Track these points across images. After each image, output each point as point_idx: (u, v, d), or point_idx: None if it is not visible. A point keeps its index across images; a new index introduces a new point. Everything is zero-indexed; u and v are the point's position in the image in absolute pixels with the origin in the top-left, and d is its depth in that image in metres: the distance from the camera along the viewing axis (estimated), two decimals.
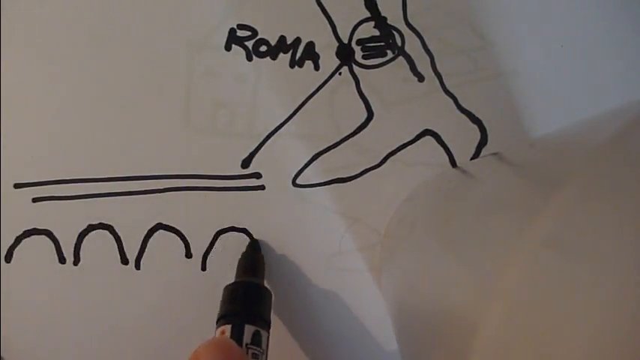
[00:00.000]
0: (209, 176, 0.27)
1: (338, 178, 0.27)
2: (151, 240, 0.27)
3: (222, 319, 0.23)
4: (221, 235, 0.27)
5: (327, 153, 0.27)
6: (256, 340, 0.22)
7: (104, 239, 0.27)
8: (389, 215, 0.28)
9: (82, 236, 0.27)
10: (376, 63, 0.27)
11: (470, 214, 0.19)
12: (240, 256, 0.26)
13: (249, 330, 0.22)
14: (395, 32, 0.27)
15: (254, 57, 0.27)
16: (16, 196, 0.27)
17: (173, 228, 0.27)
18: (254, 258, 0.26)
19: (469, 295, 0.15)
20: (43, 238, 0.27)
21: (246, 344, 0.22)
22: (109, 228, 0.27)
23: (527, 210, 0.14)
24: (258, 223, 0.27)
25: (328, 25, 0.27)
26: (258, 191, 0.27)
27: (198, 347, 0.19)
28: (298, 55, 0.27)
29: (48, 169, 0.27)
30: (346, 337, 0.28)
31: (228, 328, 0.22)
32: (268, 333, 0.23)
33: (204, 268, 0.27)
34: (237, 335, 0.22)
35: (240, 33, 0.27)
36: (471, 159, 0.27)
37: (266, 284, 0.27)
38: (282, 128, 0.27)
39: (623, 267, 0.10)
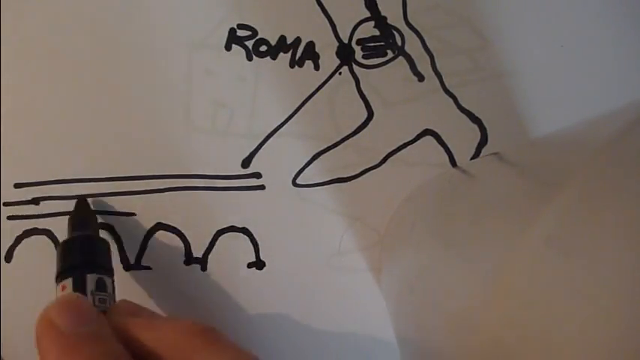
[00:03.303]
0: (209, 176, 0.27)
1: (338, 178, 0.27)
2: (151, 240, 0.27)
3: (60, 276, 0.23)
4: (221, 235, 0.27)
5: (327, 153, 0.27)
6: (101, 286, 0.22)
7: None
8: (389, 215, 0.28)
9: None
10: (376, 63, 0.27)
11: (470, 214, 0.19)
12: (69, 217, 0.26)
13: (91, 279, 0.22)
14: (395, 32, 0.27)
15: (254, 57, 0.27)
16: (16, 196, 0.27)
17: (173, 228, 0.27)
18: (83, 212, 0.26)
19: (469, 294, 0.15)
20: (43, 238, 0.27)
21: (92, 291, 0.22)
22: (109, 228, 0.27)
23: (528, 210, 0.14)
24: (258, 223, 0.27)
25: (328, 25, 0.27)
26: (258, 191, 0.27)
27: (45, 309, 0.19)
28: (298, 55, 0.27)
29: (48, 169, 0.27)
30: (346, 337, 0.28)
31: (69, 281, 0.22)
32: (112, 279, 0.23)
33: (204, 269, 0.27)
34: (80, 286, 0.22)
35: (240, 33, 0.27)
36: (471, 159, 0.27)
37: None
38: (282, 128, 0.27)
39: (623, 267, 0.10)
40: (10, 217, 0.27)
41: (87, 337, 0.19)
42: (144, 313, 0.22)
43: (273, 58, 0.27)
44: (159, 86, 0.27)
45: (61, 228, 0.27)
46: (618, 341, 0.09)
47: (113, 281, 0.23)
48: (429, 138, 0.27)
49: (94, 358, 0.18)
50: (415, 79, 0.27)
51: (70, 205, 0.27)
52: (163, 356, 0.20)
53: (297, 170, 0.27)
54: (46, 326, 0.19)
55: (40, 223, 0.27)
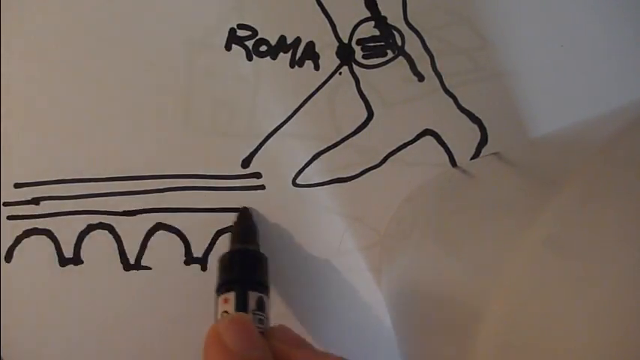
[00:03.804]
0: (209, 176, 0.27)
1: (338, 178, 0.27)
2: (151, 240, 0.27)
3: (223, 287, 0.23)
4: (221, 235, 0.27)
5: (327, 153, 0.27)
6: (260, 306, 0.22)
7: (104, 239, 0.27)
8: (389, 215, 0.28)
9: (82, 236, 0.27)
10: (376, 63, 0.27)
11: (470, 214, 0.19)
12: (232, 225, 0.26)
13: (252, 297, 0.22)
14: (395, 32, 0.27)
15: (254, 57, 0.27)
16: (16, 196, 0.27)
17: (173, 228, 0.27)
18: (247, 225, 0.26)
19: (469, 294, 0.15)
20: (43, 238, 0.27)
21: (252, 310, 0.22)
22: (109, 228, 0.27)
23: (527, 210, 0.14)
24: (258, 223, 0.27)
25: (328, 25, 0.27)
26: (258, 191, 0.27)
27: (216, 323, 0.20)
28: (298, 54, 0.27)
29: (48, 169, 0.27)
30: (346, 336, 0.28)
31: (231, 295, 0.22)
32: (269, 297, 0.24)
33: (204, 268, 0.27)
34: (242, 303, 0.22)
35: (240, 33, 0.27)
36: (471, 159, 0.27)
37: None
38: (282, 128, 0.27)
39: (623, 267, 0.10)
40: (10, 217, 0.27)
41: None
42: (302, 344, 0.22)
43: (273, 58, 0.27)
44: (159, 86, 0.27)
45: (61, 228, 0.27)
46: (618, 340, 0.09)
47: (269, 302, 0.23)
48: (429, 138, 0.27)
49: None
50: (415, 79, 0.27)
51: (70, 205, 0.27)
52: None
53: (297, 170, 0.27)
54: (214, 340, 0.19)
55: (40, 223, 0.27)
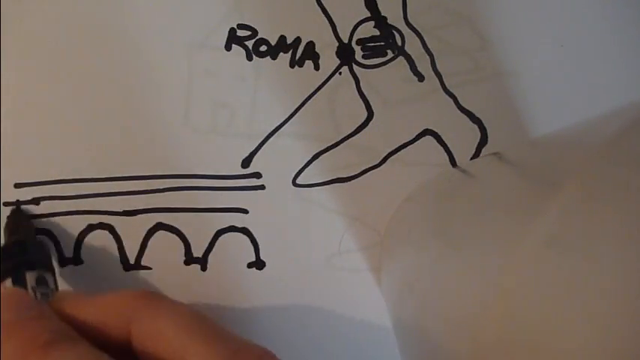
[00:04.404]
0: (209, 176, 0.27)
1: (338, 178, 0.27)
2: (151, 240, 0.27)
3: None
4: (221, 235, 0.27)
5: (327, 153, 0.27)
6: (41, 281, 0.22)
7: (104, 239, 0.27)
8: (389, 215, 0.28)
9: (82, 236, 0.27)
10: (376, 63, 0.27)
11: (470, 214, 0.19)
12: (4, 226, 0.26)
13: (31, 276, 0.22)
14: (395, 32, 0.27)
15: (254, 57, 0.27)
16: (16, 196, 0.27)
17: (173, 228, 0.27)
18: (16, 219, 0.26)
19: (469, 295, 0.15)
20: (43, 238, 0.27)
21: (32, 287, 0.22)
22: (109, 228, 0.27)
23: (528, 210, 0.14)
24: (258, 223, 0.27)
25: (328, 25, 0.27)
26: (258, 191, 0.27)
27: None
28: (298, 54, 0.27)
29: (48, 169, 0.27)
30: (346, 337, 0.28)
31: (8, 281, 0.22)
32: (54, 275, 0.23)
33: (204, 269, 0.27)
34: (19, 283, 0.22)
35: (240, 33, 0.27)
36: (471, 159, 0.28)
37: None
38: (282, 128, 0.27)
39: (623, 267, 0.10)
40: None
41: (30, 319, 0.19)
42: (87, 295, 0.22)
43: (273, 58, 0.27)
44: (159, 86, 0.27)
45: (61, 228, 0.27)
46: (620, 341, 0.09)
47: (55, 279, 0.23)
48: (429, 138, 0.27)
49: (40, 335, 0.18)
50: (415, 79, 0.27)
51: (70, 205, 0.27)
52: (108, 324, 0.20)
53: (297, 170, 0.27)
54: None
55: (40, 223, 0.27)
